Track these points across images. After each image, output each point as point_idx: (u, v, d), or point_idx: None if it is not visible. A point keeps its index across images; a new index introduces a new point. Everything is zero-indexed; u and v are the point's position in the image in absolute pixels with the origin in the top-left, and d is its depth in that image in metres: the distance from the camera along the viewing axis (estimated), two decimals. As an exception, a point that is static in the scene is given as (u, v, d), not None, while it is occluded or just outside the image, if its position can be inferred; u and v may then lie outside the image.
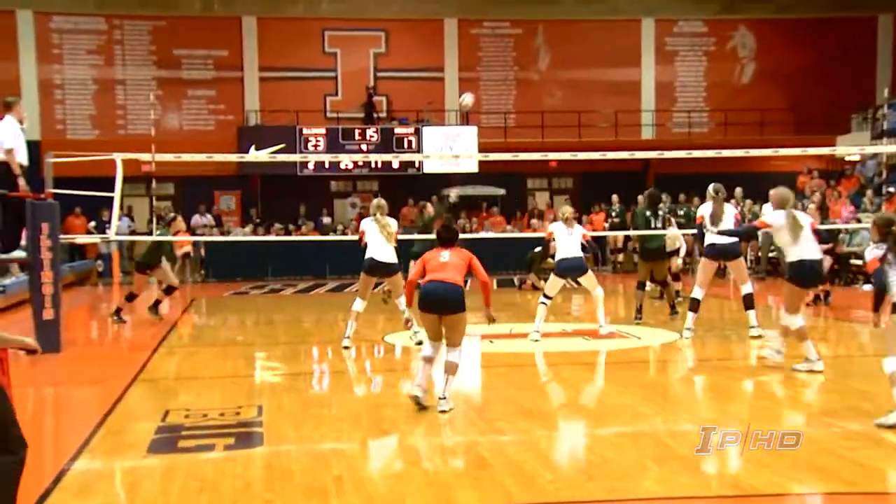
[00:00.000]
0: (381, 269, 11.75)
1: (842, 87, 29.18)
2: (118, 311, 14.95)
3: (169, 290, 15.48)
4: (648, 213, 14.27)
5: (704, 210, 12.23)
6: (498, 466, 6.45)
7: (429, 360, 8.33)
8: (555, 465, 6.47)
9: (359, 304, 11.97)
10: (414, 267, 8.70)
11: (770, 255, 22.21)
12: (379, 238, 11.64)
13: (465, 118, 28.12)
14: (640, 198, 16.83)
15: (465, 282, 8.34)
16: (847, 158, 26.07)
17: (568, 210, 12.88)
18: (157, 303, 15.38)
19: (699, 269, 12.65)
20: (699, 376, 10.69)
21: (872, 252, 7.40)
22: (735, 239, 12.12)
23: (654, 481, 6.16)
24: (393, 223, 11.78)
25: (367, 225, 11.88)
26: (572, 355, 11.71)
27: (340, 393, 9.67)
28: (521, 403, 8.56)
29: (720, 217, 12.00)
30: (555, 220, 14.10)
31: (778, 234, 9.75)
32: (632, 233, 15.37)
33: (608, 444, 7.14)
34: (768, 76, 30.33)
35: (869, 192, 22.93)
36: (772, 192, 10.12)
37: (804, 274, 9.53)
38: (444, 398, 8.17)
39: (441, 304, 8.17)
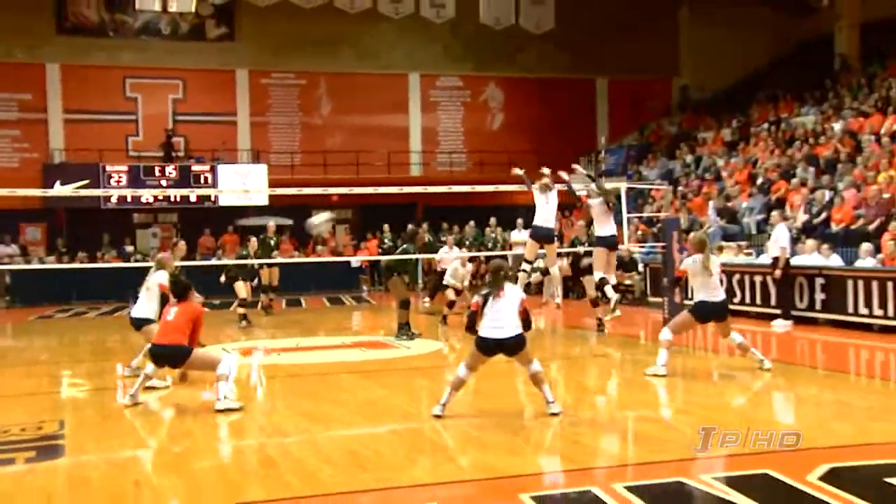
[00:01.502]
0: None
1: (572, 134, 30.47)
2: None
3: None
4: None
5: None
6: (283, 464, 6.35)
7: (148, 377, 8.77)
8: (333, 460, 6.41)
9: None
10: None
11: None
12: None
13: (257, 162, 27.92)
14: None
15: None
16: (578, 193, 27.31)
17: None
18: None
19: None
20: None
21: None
22: None
23: (421, 470, 6.25)
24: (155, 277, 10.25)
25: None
26: (350, 364, 11.65)
27: (141, 406, 9.23)
28: (302, 408, 8.47)
29: None
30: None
31: None
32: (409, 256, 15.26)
33: (381, 440, 7.17)
34: (514, 124, 31.37)
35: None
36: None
37: None
38: (219, 399, 8.22)
39: (168, 361, 8.67)
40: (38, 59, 27.24)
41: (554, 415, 7.52)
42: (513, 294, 7.63)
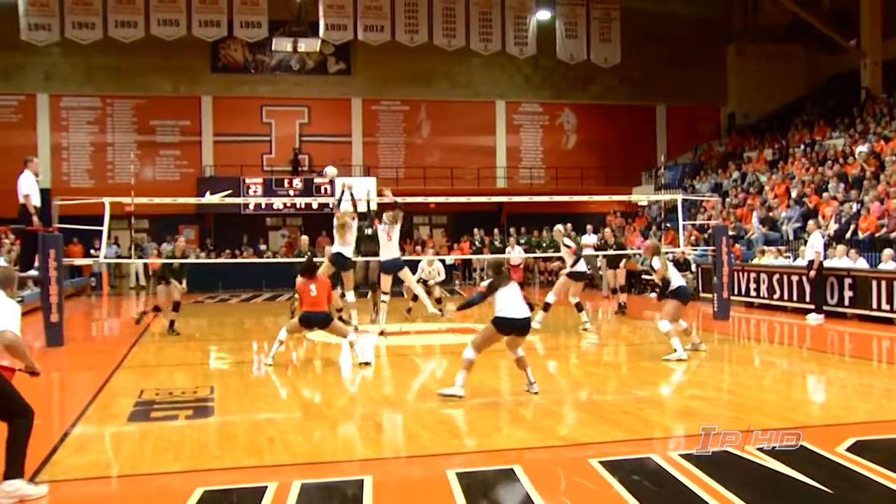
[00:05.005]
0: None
1: (635, 153, 30.16)
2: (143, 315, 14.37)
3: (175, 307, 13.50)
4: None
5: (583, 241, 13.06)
6: (390, 430, 6.47)
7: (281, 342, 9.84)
8: (433, 427, 6.49)
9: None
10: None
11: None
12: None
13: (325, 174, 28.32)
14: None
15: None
16: (639, 203, 26.96)
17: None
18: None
19: (561, 285, 13.04)
20: (540, 359, 10.86)
21: (654, 263, 8.47)
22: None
23: (504, 437, 6.28)
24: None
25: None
26: (444, 347, 11.71)
27: (274, 376, 9.51)
28: (407, 383, 8.59)
29: (581, 247, 12.78)
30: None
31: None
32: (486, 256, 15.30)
33: (472, 411, 7.20)
34: (585, 144, 31.07)
35: (654, 228, 23.74)
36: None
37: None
38: (362, 354, 9.41)
39: (318, 324, 9.53)
40: (195, 92, 28.37)
41: (535, 394, 7.53)
42: (514, 284, 7.54)
